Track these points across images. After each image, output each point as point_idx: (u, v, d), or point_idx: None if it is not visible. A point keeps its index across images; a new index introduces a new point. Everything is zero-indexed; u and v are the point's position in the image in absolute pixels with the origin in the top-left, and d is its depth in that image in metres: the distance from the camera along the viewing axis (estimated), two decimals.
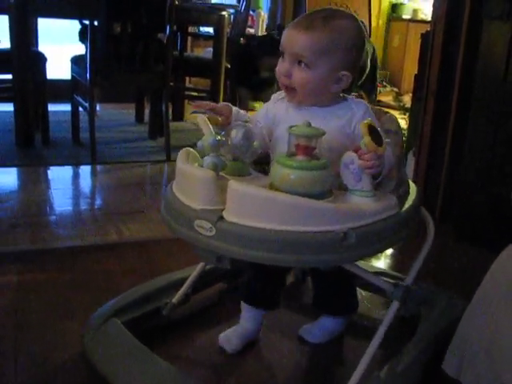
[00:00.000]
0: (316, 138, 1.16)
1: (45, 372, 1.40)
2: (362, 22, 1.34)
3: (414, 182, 2.66)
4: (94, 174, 3.19)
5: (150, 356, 1.34)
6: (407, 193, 1.38)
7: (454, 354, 1.36)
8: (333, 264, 1.26)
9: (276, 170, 1.16)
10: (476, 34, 2.29)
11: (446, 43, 2.48)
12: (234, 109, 1.36)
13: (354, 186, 1.19)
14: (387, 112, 1.47)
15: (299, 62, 1.26)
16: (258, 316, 1.55)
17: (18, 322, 1.62)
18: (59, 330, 1.58)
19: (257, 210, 1.10)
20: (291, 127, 1.17)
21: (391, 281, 1.43)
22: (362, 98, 1.44)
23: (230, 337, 1.53)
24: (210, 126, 1.24)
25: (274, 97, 1.43)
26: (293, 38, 1.27)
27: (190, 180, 1.19)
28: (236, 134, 1.23)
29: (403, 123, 3.52)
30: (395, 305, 1.34)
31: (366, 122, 1.16)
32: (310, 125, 1.16)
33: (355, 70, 1.33)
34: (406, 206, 1.30)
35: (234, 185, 1.11)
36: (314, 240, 1.09)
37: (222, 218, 1.11)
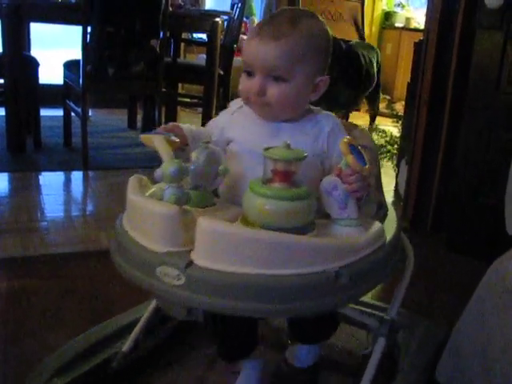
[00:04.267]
0: (296, 161, 0.99)
1: None
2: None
3: (407, 191, 2.69)
4: (85, 179, 3.17)
5: None
6: (386, 215, 1.25)
7: (447, 363, 1.36)
8: (324, 310, 1.06)
9: (249, 200, 0.98)
10: (469, 44, 2.30)
11: (438, 52, 2.48)
12: (185, 126, 1.19)
13: (339, 214, 1.04)
14: (357, 126, 1.36)
15: (274, 77, 1.11)
16: (255, 364, 1.32)
17: (8, 329, 1.60)
18: (49, 337, 1.56)
19: (233, 251, 0.91)
20: (267, 149, 1.00)
21: (372, 311, 1.39)
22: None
23: None
24: (170, 150, 1.03)
25: (231, 105, 1.27)
26: (262, 51, 1.11)
27: (148, 216, 0.98)
28: (197, 158, 1.06)
29: (396, 131, 3.54)
30: (382, 342, 1.24)
31: (345, 140, 1.02)
32: (288, 146, 0.99)
33: (326, 72, 1.19)
34: (391, 232, 1.15)
35: (203, 223, 0.91)
36: (302, 284, 0.93)
37: (191, 262, 0.92)
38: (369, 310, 1.47)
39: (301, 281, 0.92)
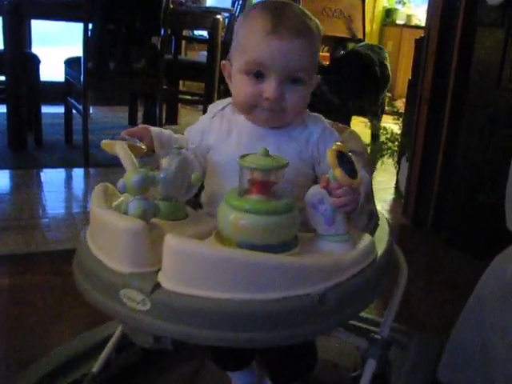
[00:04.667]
0: (276, 170, 0.87)
1: None
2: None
3: (407, 188, 2.69)
4: (86, 176, 3.17)
5: None
6: (377, 225, 1.14)
7: (448, 361, 1.36)
8: (308, 338, 0.92)
9: (223, 213, 0.86)
10: (470, 41, 2.30)
11: (439, 49, 2.48)
12: (155, 130, 1.06)
13: (326, 230, 0.92)
14: (346, 127, 1.24)
15: (293, 79, 0.99)
16: (247, 375, 1.28)
17: (10, 324, 1.61)
18: (50, 333, 1.57)
19: (204, 273, 0.80)
20: (243, 157, 0.88)
21: (362, 326, 1.34)
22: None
23: None
24: (133, 158, 0.90)
25: (210, 109, 1.13)
26: (284, 50, 0.96)
27: (111, 232, 0.87)
28: (169, 166, 0.95)
29: (396, 128, 3.53)
30: (372, 364, 1.14)
31: (334, 147, 0.89)
32: (267, 153, 0.87)
33: None
34: (383, 245, 1.04)
35: (171, 240, 0.81)
36: (282, 310, 0.81)
37: (158, 285, 0.81)
38: (359, 325, 1.41)
39: (280, 306, 0.81)
